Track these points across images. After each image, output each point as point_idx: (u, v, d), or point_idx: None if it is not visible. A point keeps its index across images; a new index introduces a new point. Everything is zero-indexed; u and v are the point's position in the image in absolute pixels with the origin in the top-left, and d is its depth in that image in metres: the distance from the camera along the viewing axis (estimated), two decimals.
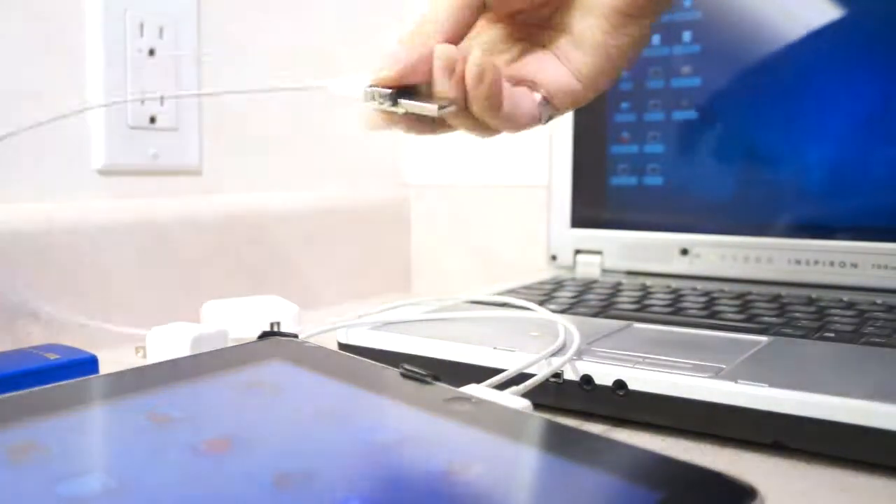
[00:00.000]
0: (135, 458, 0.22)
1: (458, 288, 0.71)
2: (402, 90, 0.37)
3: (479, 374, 0.36)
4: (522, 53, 0.39)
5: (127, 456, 0.22)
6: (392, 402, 0.27)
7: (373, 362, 0.31)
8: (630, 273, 0.61)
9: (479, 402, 0.26)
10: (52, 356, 0.41)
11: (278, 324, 0.48)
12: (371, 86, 0.37)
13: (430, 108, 0.37)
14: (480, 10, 0.36)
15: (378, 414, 0.27)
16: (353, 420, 0.26)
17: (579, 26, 0.36)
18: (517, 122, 0.38)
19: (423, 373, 0.29)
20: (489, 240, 0.74)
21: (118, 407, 0.26)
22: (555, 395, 0.36)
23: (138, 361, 0.46)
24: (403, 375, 0.29)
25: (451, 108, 0.37)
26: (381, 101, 0.37)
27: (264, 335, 0.34)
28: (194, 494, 0.20)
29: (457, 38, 0.36)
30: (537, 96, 0.37)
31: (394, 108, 0.37)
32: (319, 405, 0.27)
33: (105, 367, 0.43)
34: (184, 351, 0.42)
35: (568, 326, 0.39)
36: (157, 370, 0.30)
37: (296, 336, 0.35)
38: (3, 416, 0.24)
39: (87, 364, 0.42)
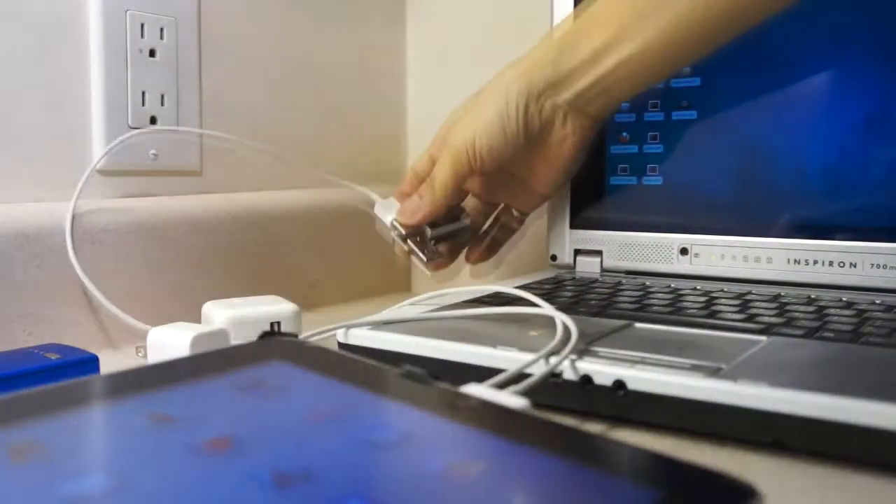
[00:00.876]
0: (135, 458, 0.22)
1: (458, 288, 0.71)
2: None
3: (479, 373, 0.36)
4: (500, 180, 0.56)
5: (127, 456, 0.22)
6: (392, 402, 0.27)
7: (373, 362, 0.31)
8: (630, 273, 0.61)
9: (479, 402, 0.26)
10: (52, 356, 0.41)
11: (278, 324, 0.49)
12: (394, 219, 0.53)
13: (420, 259, 0.54)
14: (471, 171, 0.52)
15: (378, 414, 0.27)
16: (353, 420, 0.26)
17: (540, 172, 0.54)
18: (512, 239, 0.61)
19: (423, 373, 0.29)
20: None
21: (118, 407, 0.26)
22: (554, 394, 0.36)
23: (138, 361, 0.46)
24: (403, 375, 0.29)
25: (437, 261, 0.55)
26: (395, 234, 0.54)
27: (264, 335, 0.34)
28: (194, 494, 0.20)
29: (460, 192, 0.53)
30: (515, 213, 0.59)
31: (401, 243, 0.54)
32: (319, 405, 0.27)
33: (105, 367, 0.43)
34: (184, 351, 0.42)
35: (566, 322, 0.39)
36: (157, 370, 0.30)
37: (296, 336, 0.35)
38: (4, 416, 0.24)
39: (88, 364, 0.42)
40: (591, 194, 0.63)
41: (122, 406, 0.26)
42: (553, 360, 0.36)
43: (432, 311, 0.47)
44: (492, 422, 0.25)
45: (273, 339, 0.34)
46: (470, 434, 0.24)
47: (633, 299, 0.51)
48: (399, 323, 0.44)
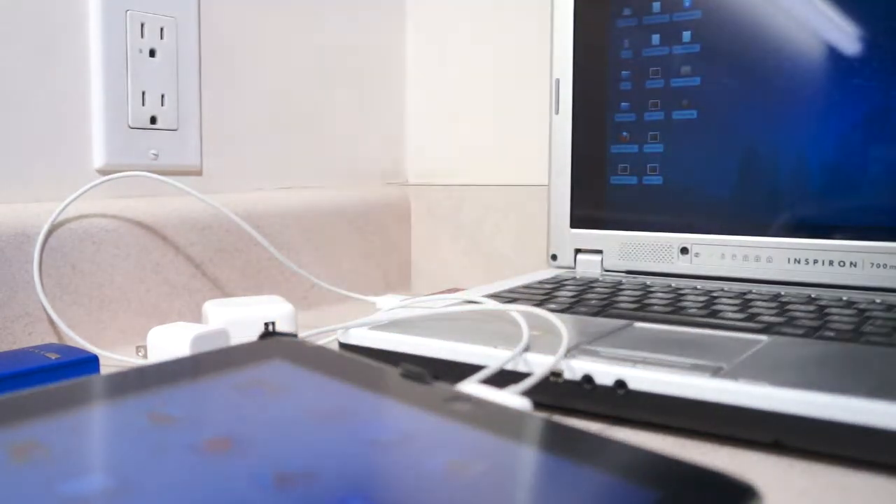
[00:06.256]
0: (135, 458, 0.22)
1: (458, 288, 0.71)
2: None
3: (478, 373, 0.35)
4: None
5: (127, 456, 0.22)
6: (392, 402, 0.27)
7: (373, 362, 0.31)
8: (630, 272, 0.61)
9: (479, 402, 0.26)
10: (52, 356, 0.41)
11: (273, 323, 0.48)
12: None
13: None
14: None
15: (378, 414, 0.27)
16: (353, 420, 0.26)
17: None
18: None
19: (423, 373, 0.29)
20: (489, 239, 0.74)
21: (119, 407, 0.26)
22: (555, 394, 0.36)
23: (138, 361, 0.46)
24: (403, 375, 0.29)
25: None
26: None
27: (264, 335, 0.34)
28: (194, 494, 0.20)
29: None
30: None
31: None
32: (319, 405, 0.27)
33: (105, 367, 0.43)
34: (184, 351, 0.42)
35: (557, 324, 0.39)
36: (157, 370, 0.30)
37: (295, 336, 0.35)
38: (4, 416, 0.24)
39: (87, 364, 0.42)
40: (592, 194, 0.63)
41: (122, 406, 0.26)
42: (546, 359, 0.36)
43: (432, 311, 0.47)
44: (491, 421, 0.25)
45: (273, 339, 0.34)
46: (470, 434, 0.24)
47: (633, 299, 0.51)
48: (399, 323, 0.44)
